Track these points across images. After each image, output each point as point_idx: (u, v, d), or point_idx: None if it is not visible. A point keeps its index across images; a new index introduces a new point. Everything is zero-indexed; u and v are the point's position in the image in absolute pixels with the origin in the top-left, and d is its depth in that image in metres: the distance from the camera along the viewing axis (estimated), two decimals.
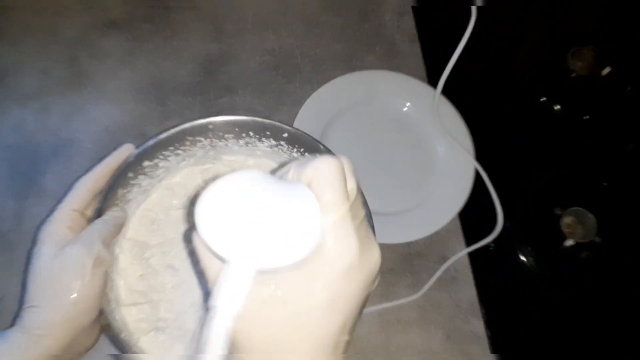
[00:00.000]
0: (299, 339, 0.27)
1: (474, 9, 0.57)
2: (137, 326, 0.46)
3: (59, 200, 0.42)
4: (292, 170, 0.30)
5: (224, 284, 0.26)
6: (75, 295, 0.37)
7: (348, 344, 0.30)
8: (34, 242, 0.40)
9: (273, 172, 0.32)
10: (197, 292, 0.49)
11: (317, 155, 0.31)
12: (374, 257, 0.29)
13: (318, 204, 0.27)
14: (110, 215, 0.43)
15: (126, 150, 0.46)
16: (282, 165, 0.32)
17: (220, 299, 0.26)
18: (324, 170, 0.28)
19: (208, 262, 0.28)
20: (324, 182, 0.28)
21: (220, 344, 0.26)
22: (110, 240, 0.42)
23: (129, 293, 0.48)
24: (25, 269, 0.39)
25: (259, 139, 0.52)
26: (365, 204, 0.47)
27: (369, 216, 0.47)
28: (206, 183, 0.54)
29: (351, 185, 0.29)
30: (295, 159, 0.31)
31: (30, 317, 0.37)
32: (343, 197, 0.28)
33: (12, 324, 0.38)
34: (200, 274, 0.31)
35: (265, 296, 0.26)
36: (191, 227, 0.28)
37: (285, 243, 0.26)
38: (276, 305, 0.27)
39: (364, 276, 0.29)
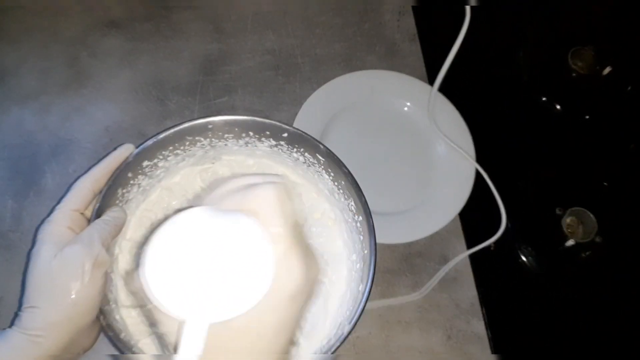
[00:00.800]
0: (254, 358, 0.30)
1: (467, 9, 0.57)
2: (136, 328, 0.46)
3: (59, 201, 0.42)
4: (230, 199, 0.30)
5: (184, 343, 0.26)
6: (74, 296, 0.37)
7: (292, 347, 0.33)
8: (33, 242, 0.40)
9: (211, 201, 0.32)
10: None
11: (256, 183, 0.31)
12: (315, 273, 0.32)
13: (266, 236, 0.28)
14: (110, 215, 0.43)
15: (126, 150, 0.46)
16: (214, 185, 0.33)
17: (182, 355, 0.26)
18: (265, 200, 0.29)
19: (164, 318, 0.29)
20: (267, 212, 0.28)
21: None
22: (110, 241, 0.42)
23: (128, 294, 0.47)
24: (24, 269, 0.39)
25: (259, 139, 0.52)
26: (365, 204, 0.47)
27: (369, 216, 0.47)
28: (205, 183, 0.54)
29: (290, 208, 0.30)
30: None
31: (30, 318, 0.37)
32: (286, 225, 0.29)
33: (12, 324, 0.37)
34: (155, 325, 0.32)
35: (222, 331, 0.27)
36: (141, 282, 0.27)
37: (239, 292, 0.26)
38: (232, 337, 0.28)
39: (308, 291, 0.31)
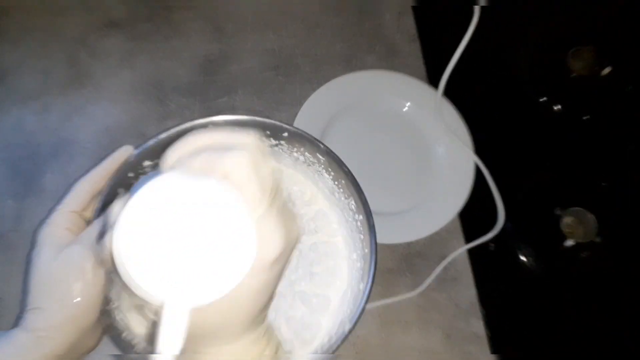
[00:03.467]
0: (229, 321, 0.30)
1: (477, 9, 0.57)
2: (138, 328, 0.46)
3: (57, 202, 0.42)
4: (200, 163, 0.28)
5: (164, 329, 0.25)
6: (77, 296, 0.37)
7: (267, 313, 0.33)
8: (32, 244, 0.40)
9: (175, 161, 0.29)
10: None
11: (226, 143, 0.29)
12: (294, 234, 0.31)
13: (244, 206, 0.26)
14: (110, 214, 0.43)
15: (125, 152, 0.46)
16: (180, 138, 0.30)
17: (164, 346, 0.25)
18: (239, 166, 0.27)
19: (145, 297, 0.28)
20: (242, 179, 0.27)
21: None
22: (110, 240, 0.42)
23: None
24: (25, 270, 0.39)
25: (259, 139, 0.52)
26: (365, 203, 0.48)
27: (369, 215, 0.47)
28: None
29: (265, 170, 0.29)
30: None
31: (34, 319, 0.37)
32: (262, 191, 0.28)
33: (15, 325, 0.38)
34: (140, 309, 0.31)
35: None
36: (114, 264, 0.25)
37: (220, 271, 0.25)
38: (210, 307, 0.27)
39: (286, 257, 0.30)
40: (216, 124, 0.50)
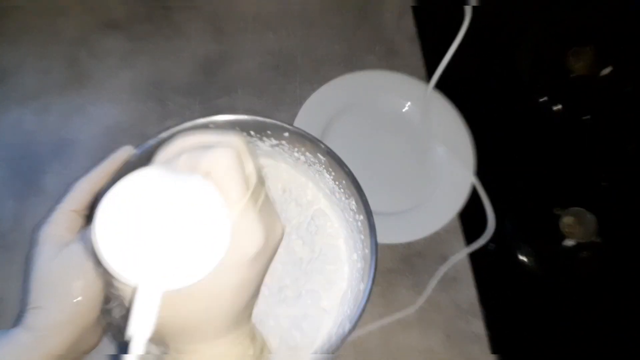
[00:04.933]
0: (211, 316, 0.30)
1: (467, 9, 0.57)
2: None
3: (57, 202, 0.42)
4: (184, 159, 0.29)
5: (136, 312, 0.26)
6: (77, 294, 0.37)
7: (251, 312, 0.34)
8: (32, 243, 0.40)
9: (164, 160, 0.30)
10: None
11: (211, 142, 0.30)
12: (278, 232, 0.32)
13: (220, 198, 0.27)
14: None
15: (125, 152, 0.46)
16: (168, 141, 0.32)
17: (134, 329, 0.26)
18: (220, 163, 0.28)
19: (119, 284, 0.28)
20: (223, 175, 0.28)
21: None
22: None
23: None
24: (25, 270, 0.39)
25: (260, 139, 0.52)
26: (366, 203, 0.48)
27: (369, 215, 0.47)
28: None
29: (249, 168, 0.30)
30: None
31: (35, 318, 0.37)
32: (243, 187, 0.28)
33: (16, 324, 0.38)
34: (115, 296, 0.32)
35: (176, 294, 0.27)
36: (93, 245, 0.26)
37: (193, 258, 0.26)
38: (188, 298, 0.28)
39: (269, 254, 0.31)
40: (217, 124, 0.50)
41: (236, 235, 0.27)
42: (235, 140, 0.30)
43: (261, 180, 0.31)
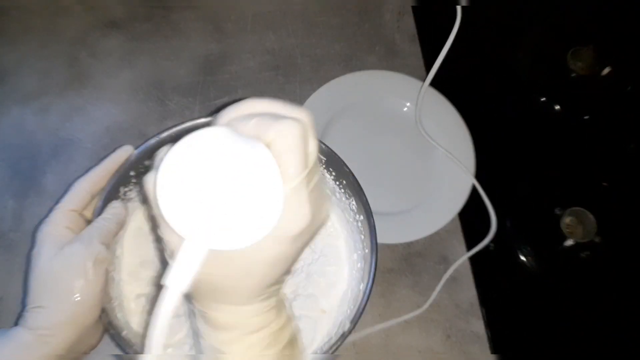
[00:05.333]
0: (241, 282, 0.30)
1: (458, 9, 0.57)
2: (139, 326, 0.46)
3: (57, 201, 0.42)
4: (252, 125, 0.28)
5: (177, 263, 0.26)
6: (77, 294, 0.37)
7: (281, 287, 0.34)
8: (32, 243, 0.40)
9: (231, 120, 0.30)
10: None
11: (280, 114, 0.30)
12: (323, 215, 0.32)
13: (279, 172, 0.27)
14: (111, 212, 0.43)
15: (125, 152, 0.46)
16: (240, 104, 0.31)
17: (172, 279, 0.26)
18: (286, 136, 0.27)
19: (167, 234, 0.29)
20: (286, 149, 0.27)
21: (164, 330, 0.27)
22: (111, 238, 0.42)
23: (131, 290, 0.48)
24: (26, 269, 0.39)
25: None
26: (366, 203, 0.48)
27: (370, 215, 0.47)
28: None
29: (312, 147, 0.29)
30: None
31: (36, 318, 0.37)
32: (302, 165, 0.28)
33: (16, 324, 0.38)
34: (159, 242, 0.32)
35: (217, 255, 0.27)
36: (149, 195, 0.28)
37: (243, 224, 0.26)
38: (225, 261, 0.28)
39: (310, 235, 0.31)
40: None
41: (284, 211, 0.27)
42: (304, 116, 0.30)
43: (318, 161, 0.31)
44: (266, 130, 0.28)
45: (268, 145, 0.28)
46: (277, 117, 0.28)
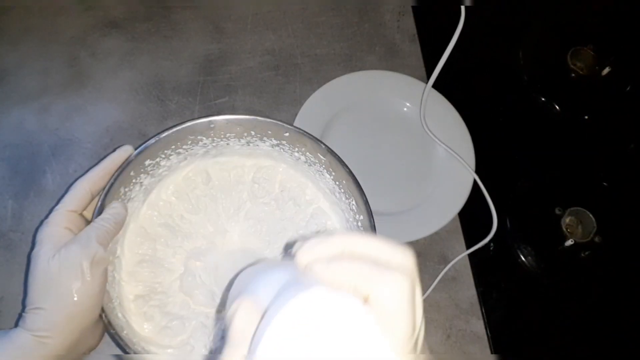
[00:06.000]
0: None
1: (462, 8, 0.57)
2: (140, 325, 0.46)
3: (57, 202, 0.42)
4: (349, 275, 0.24)
5: None
6: (76, 295, 0.37)
7: None
8: (32, 244, 0.40)
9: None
10: (198, 290, 0.49)
11: (381, 258, 0.24)
12: None
13: (385, 340, 0.22)
14: (110, 213, 0.43)
15: (124, 152, 0.46)
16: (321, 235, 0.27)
17: None
18: (398, 294, 0.23)
19: None
20: (397, 309, 0.23)
21: None
22: (109, 239, 0.42)
23: (130, 290, 0.48)
24: (26, 270, 0.39)
25: (261, 138, 0.52)
26: (366, 203, 0.48)
27: (370, 215, 0.47)
28: (206, 182, 0.54)
29: (419, 300, 0.24)
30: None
31: (35, 319, 0.37)
32: (412, 327, 0.23)
33: (16, 325, 0.38)
34: None
35: None
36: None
37: None
38: None
39: None
40: (218, 123, 0.50)
41: None
42: (409, 262, 0.25)
43: (420, 324, 0.25)
44: (368, 286, 0.23)
45: (367, 299, 0.23)
46: (377, 266, 0.24)
